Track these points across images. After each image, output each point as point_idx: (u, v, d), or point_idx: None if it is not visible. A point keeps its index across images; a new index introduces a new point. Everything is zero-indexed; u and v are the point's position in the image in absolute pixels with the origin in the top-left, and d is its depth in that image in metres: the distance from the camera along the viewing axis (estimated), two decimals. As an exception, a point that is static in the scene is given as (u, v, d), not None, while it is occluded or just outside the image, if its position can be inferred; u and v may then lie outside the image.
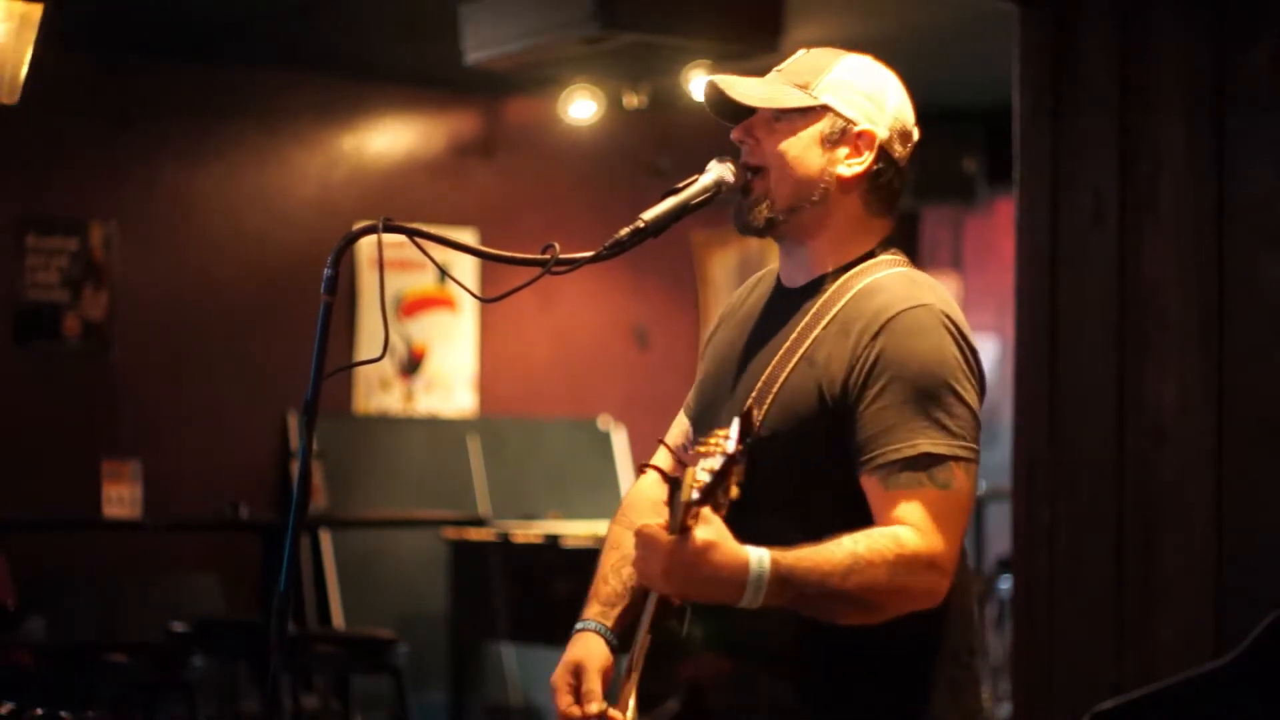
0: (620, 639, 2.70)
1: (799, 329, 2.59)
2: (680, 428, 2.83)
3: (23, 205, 7.95)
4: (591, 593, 2.74)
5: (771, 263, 2.79)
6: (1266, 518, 4.72)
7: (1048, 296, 5.15)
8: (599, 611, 2.71)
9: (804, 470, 2.54)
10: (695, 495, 2.31)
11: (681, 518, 2.33)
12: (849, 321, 2.55)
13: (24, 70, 4.12)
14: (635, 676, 2.53)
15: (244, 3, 7.45)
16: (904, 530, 2.44)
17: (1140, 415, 4.95)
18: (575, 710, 2.61)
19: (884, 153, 2.64)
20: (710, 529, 2.33)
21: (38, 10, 4.12)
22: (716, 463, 2.31)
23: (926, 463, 2.46)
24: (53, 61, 4.48)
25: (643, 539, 2.38)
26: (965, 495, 2.48)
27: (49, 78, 4.44)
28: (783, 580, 2.36)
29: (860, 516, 2.49)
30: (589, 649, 2.67)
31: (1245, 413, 4.77)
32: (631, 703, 2.53)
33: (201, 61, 8.28)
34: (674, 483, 2.36)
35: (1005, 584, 8.39)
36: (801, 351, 2.57)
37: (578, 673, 2.64)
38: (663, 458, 2.82)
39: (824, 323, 2.57)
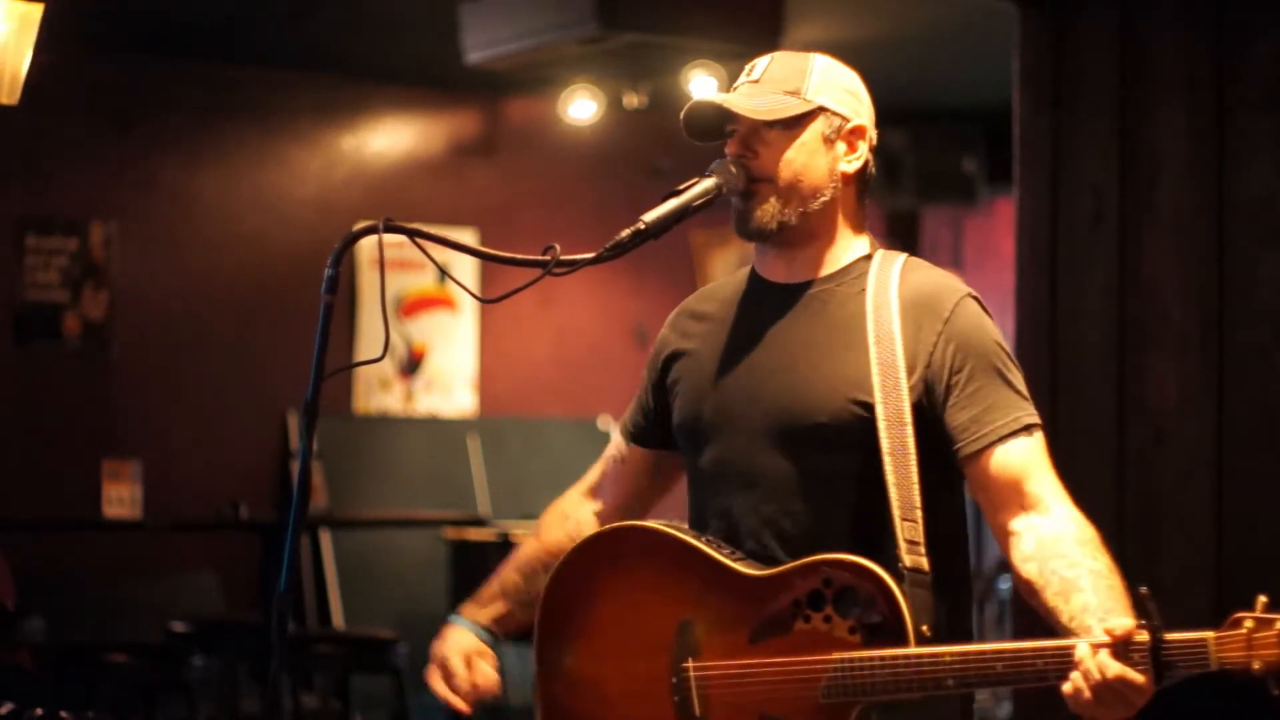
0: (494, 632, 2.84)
1: (841, 320, 2.60)
2: (613, 444, 2.89)
3: (23, 205, 7.95)
4: (479, 593, 2.89)
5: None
6: (1266, 518, 4.72)
7: (1048, 296, 5.15)
8: (472, 611, 2.86)
9: (863, 454, 2.55)
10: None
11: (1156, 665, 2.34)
12: (906, 312, 2.58)
13: (24, 70, 4.12)
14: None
15: (244, 3, 7.45)
16: (1068, 515, 2.53)
17: (1140, 415, 4.95)
18: (442, 689, 2.77)
19: (869, 143, 2.70)
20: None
21: (38, 10, 4.12)
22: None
23: (1031, 432, 2.57)
24: (53, 61, 4.48)
25: (1133, 688, 2.36)
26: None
27: (49, 78, 4.44)
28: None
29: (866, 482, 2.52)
30: (447, 641, 2.82)
31: (1245, 413, 4.77)
32: None
33: (201, 61, 8.28)
34: (1158, 634, 2.35)
35: (1005, 584, 8.39)
36: (869, 349, 2.58)
37: (442, 663, 2.79)
38: (591, 471, 2.93)
39: (896, 318, 2.58)
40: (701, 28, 6.86)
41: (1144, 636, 2.30)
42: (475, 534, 7.71)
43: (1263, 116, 4.77)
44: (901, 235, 9.99)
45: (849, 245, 2.67)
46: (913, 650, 2.41)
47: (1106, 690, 2.32)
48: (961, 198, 9.56)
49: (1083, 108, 5.11)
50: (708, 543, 2.60)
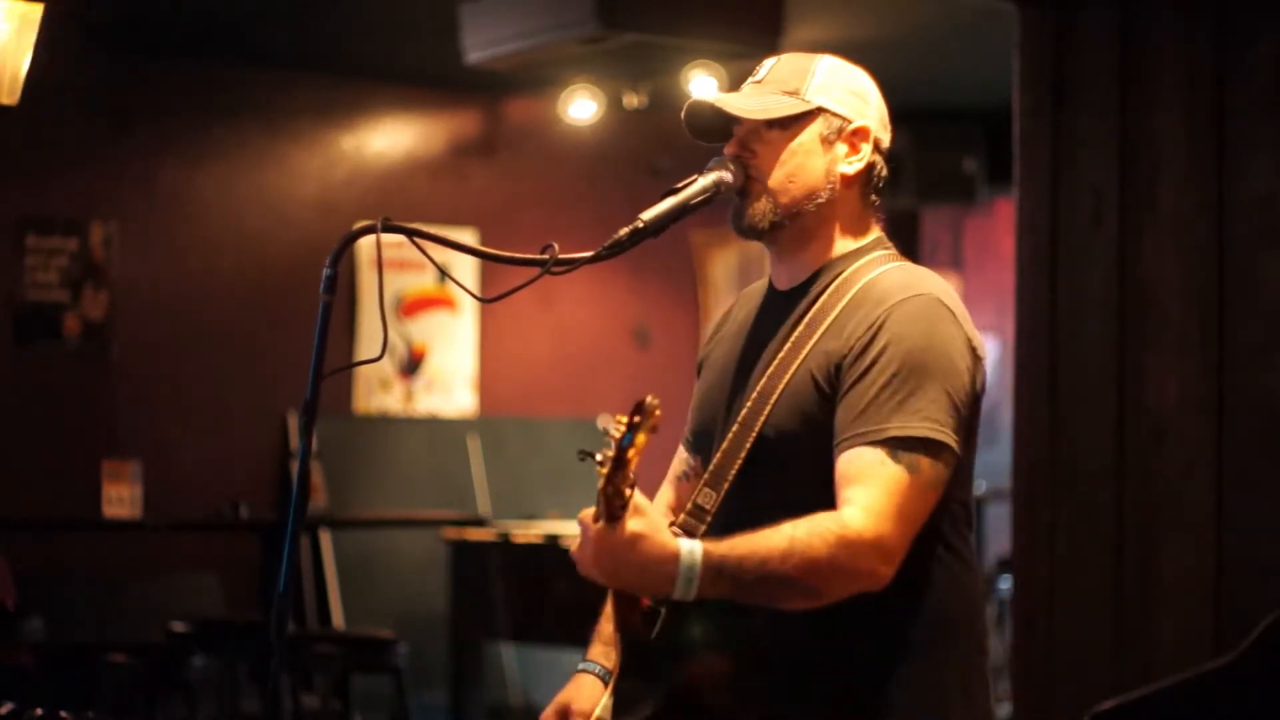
0: None
1: (799, 330, 2.58)
2: (678, 457, 2.83)
3: (23, 205, 7.95)
4: (595, 630, 2.74)
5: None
6: (1266, 518, 4.72)
7: (1048, 296, 5.15)
8: (600, 652, 2.71)
9: (816, 466, 2.52)
10: (599, 482, 2.33)
11: (604, 508, 2.34)
12: (852, 314, 2.54)
13: (24, 70, 4.12)
14: (613, 676, 2.53)
15: (244, 3, 7.45)
16: (850, 511, 2.40)
17: (1140, 415, 4.95)
18: None
19: (875, 145, 2.66)
20: (641, 520, 2.34)
21: (38, 10, 4.12)
22: (610, 449, 2.33)
23: (894, 446, 2.44)
24: (53, 61, 4.48)
25: (581, 527, 2.40)
26: (930, 481, 2.45)
27: (49, 78, 4.44)
28: (715, 570, 2.35)
29: None
30: (580, 691, 2.68)
31: (1245, 413, 4.77)
32: (605, 700, 2.54)
33: (201, 61, 8.28)
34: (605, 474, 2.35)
35: (1005, 584, 8.39)
36: (805, 351, 2.56)
37: (563, 714, 2.66)
38: (664, 492, 2.83)
39: (827, 323, 2.56)
40: (701, 28, 6.86)
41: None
42: (475, 534, 7.71)
43: (1263, 116, 4.77)
44: (902, 235, 9.97)
45: (848, 249, 2.64)
46: None
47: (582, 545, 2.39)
48: (961, 198, 9.56)
49: (1083, 108, 5.11)
50: None
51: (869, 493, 2.41)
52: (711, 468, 2.58)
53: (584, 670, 2.70)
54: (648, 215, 2.60)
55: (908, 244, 10.13)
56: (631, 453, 2.32)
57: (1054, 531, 5.09)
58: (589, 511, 2.39)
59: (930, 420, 2.45)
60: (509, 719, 8.26)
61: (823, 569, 2.38)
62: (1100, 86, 5.06)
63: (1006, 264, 5.52)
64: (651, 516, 2.35)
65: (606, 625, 2.71)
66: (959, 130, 9.34)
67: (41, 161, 7.96)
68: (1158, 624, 4.87)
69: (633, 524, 2.33)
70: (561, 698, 2.68)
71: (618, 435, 2.33)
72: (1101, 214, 5.05)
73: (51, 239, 8.00)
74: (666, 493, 2.82)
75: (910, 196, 9.46)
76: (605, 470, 2.33)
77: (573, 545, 2.44)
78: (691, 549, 2.35)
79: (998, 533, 8.58)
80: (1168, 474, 4.89)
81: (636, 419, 2.31)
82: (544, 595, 7.14)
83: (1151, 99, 4.97)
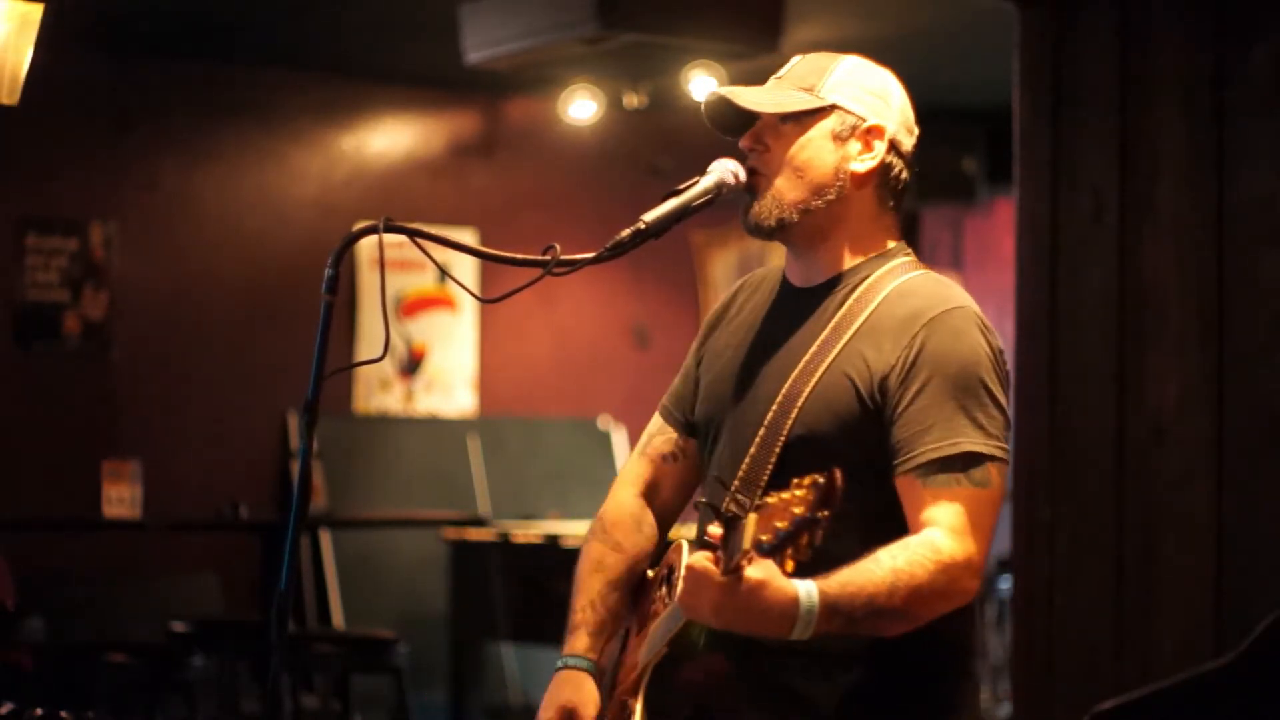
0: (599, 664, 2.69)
1: (825, 333, 2.57)
2: (662, 435, 2.80)
3: (23, 205, 7.95)
4: (577, 621, 2.70)
5: (772, 261, 2.77)
6: (1266, 518, 4.72)
7: (1048, 296, 5.15)
8: (587, 645, 2.69)
9: (848, 468, 2.52)
10: (765, 545, 2.26)
11: (737, 561, 2.28)
12: (886, 324, 2.54)
13: (24, 70, 4.12)
14: (644, 687, 2.52)
15: (244, 3, 7.45)
16: (938, 535, 2.43)
17: (1140, 415, 4.95)
18: None
19: (893, 146, 2.66)
20: (761, 568, 2.30)
21: (38, 10, 4.12)
22: (786, 521, 2.25)
23: (965, 462, 2.46)
24: (53, 61, 4.48)
25: (695, 575, 2.33)
26: (999, 494, 2.49)
27: (49, 78, 4.44)
28: (831, 609, 2.35)
29: (893, 516, 2.48)
30: (581, 691, 2.66)
31: (1245, 413, 4.77)
32: (639, 709, 2.53)
33: (201, 61, 8.28)
34: (729, 522, 2.30)
35: (1005, 584, 8.39)
36: (834, 354, 2.55)
37: (569, 717, 2.64)
38: (639, 467, 2.81)
39: (855, 326, 2.55)
40: (701, 28, 6.86)
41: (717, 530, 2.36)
42: (475, 534, 7.72)
43: (1263, 117, 4.77)
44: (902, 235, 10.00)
45: (863, 250, 2.64)
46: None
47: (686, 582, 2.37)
48: (961, 198, 9.56)
49: (1083, 108, 5.11)
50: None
51: (951, 513, 2.44)
52: (741, 474, 2.56)
53: (574, 667, 2.68)
54: (649, 217, 2.60)
55: (908, 244, 10.12)
56: (817, 532, 2.27)
57: (1054, 531, 5.09)
58: (702, 559, 2.34)
59: (989, 434, 2.48)
60: (509, 719, 8.26)
61: (925, 596, 2.40)
62: (1100, 86, 5.06)
63: (1006, 264, 5.52)
64: (768, 562, 2.32)
65: (590, 613, 2.68)
66: (959, 130, 9.34)
67: (41, 161, 7.97)
68: (1158, 624, 4.87)
69: (754, 571, 2.30)
70: (562, 699, 2.65)
71: (793, 509, 2.24)
72: (1101, 214, 5.05)
73: (51, 239, 8.00)
74: (639, 466, 2.81)
75: (910, 196, 9.43)
76: (769, 539, 2.26)
77: (679, 592, 2.40)
78: (809, 591, 2.34)
79: (998, 533, 8.58)
80: (1168, 474, 4.89)
81: (827, 500, 2.25)
82: (544, 595, 7.14)
83: (1151, 99, 4.97)
